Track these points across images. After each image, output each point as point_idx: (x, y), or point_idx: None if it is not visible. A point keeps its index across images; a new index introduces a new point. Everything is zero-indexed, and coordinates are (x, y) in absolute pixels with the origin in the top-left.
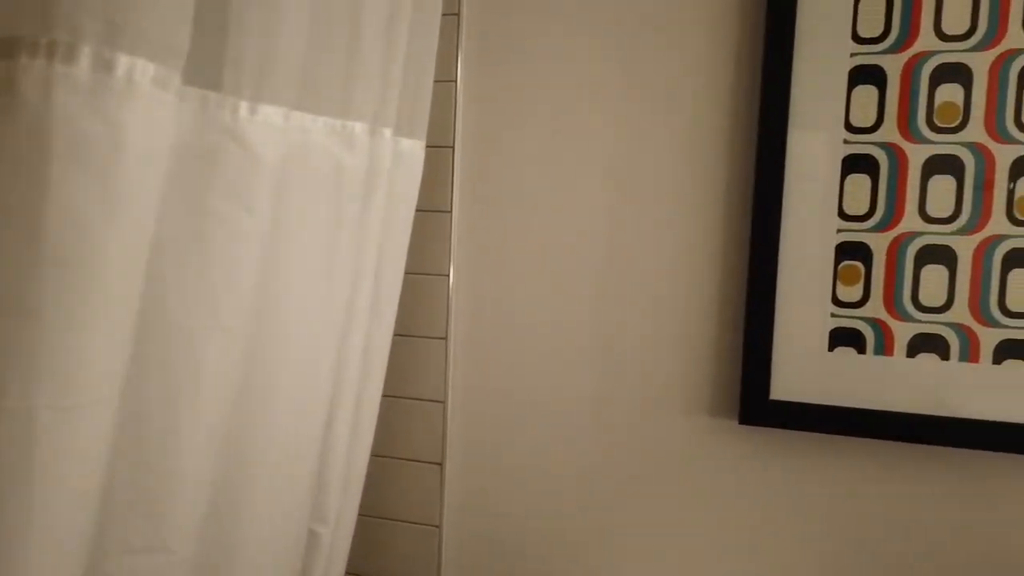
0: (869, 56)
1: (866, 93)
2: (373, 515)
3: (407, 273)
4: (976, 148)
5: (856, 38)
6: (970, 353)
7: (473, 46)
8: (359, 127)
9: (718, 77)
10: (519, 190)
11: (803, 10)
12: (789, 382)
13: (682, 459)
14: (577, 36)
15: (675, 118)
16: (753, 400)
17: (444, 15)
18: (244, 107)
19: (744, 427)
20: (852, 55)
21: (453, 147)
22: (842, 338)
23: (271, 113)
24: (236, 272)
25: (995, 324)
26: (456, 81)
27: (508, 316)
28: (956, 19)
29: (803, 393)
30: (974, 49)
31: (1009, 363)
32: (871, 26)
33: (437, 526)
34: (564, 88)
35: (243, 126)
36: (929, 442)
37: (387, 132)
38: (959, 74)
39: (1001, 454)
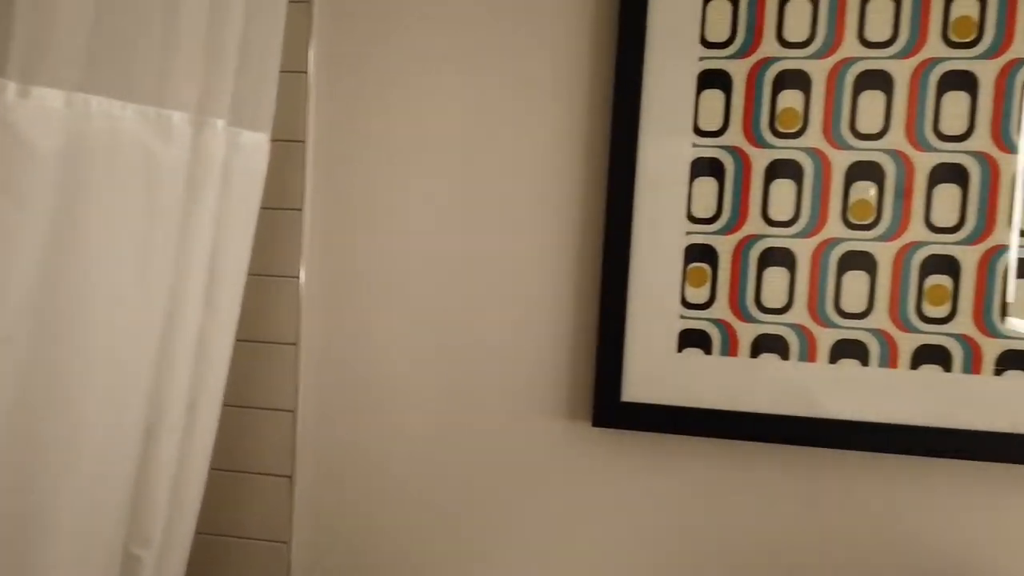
0: (716, 61)
1: (713, 97)
2: (216, 533)
3: (254, 275)
4: (814, 153)
5: (704, 42)
6: (808, 353)
7: (326, 35)
8: (178, 116)
9: (574, 78)
10: (374, 187)
11: (654, 13)
12: (640, 384)
13: (539, 463)
14: (435, 30)
15: (532, 119)
16: (605, 402)
17: (292, 1)
18: (12, 89)
19: (597, 429)
20: (700, 59)
21: (305, 141)
22: (690, 339)
23: (49, 97)
24: (4, 272)
25: (831, 325)
26: (308, 72)
27: (361, 319)
28: (796, 27)
29: (653, 394)
30: (813, 57)
31: (844, 362)
32: (718, 31)
33: (286, 542)
34: (422, 82)
35: (11, 111)
36: (773, 440)
37: (219, 123)
38: (799, 81)
39: (841, 451)
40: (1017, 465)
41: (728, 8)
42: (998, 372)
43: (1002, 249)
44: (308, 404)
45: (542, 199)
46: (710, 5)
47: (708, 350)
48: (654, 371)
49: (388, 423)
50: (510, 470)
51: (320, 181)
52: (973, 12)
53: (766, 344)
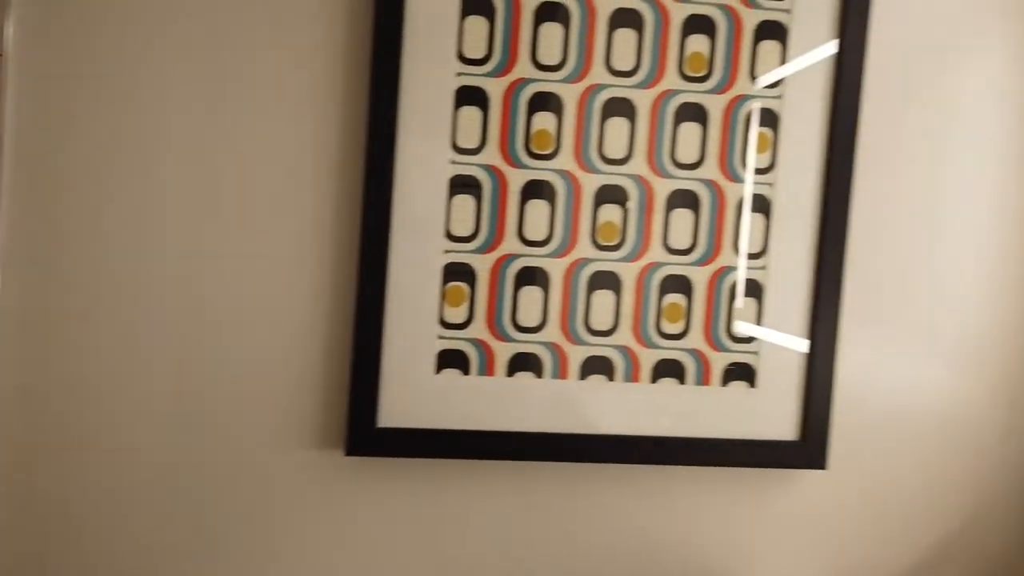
0: (473, 78)
1: (471, 114)
2: None
3: None
4: (566, 175)
5: (462, 58)
6: (561, 370)
7: (28, 9)
8: None
9: (326, 83)
10: (89, 189)
11: (410, 24)
12: (397, 408)
13: (287, 498)
14: (166, 11)
15: (279, 125)
16: (360, 429)
17: None
18: None
19: (352, 458)
20: (458, 75)
21: (0, 138)
22: (448, 360)
23: None
24: None
25: (581, 342)
26: (4, 53)
27: (72, 343)
28: (549, 50)
29: (412, 418)
30: (565, 81)
31: (593, 378)
32: (475, 48)
33: None
34: (148, 70)
35: None
36: (531, 458)
37: None
38: (552, 103)
39: (593, 464)
40: (748, 468)
41: (484, 25)
42: (724, 383)
43: (728, 270)
44: None
45: (291, 212)
46: (467, 20)
47: (466, 371)
48: (412, 394)
49: (105, 463)
50: (255, 508)
51: (19, 180)
52: (704, 49)
53: (521, 363)
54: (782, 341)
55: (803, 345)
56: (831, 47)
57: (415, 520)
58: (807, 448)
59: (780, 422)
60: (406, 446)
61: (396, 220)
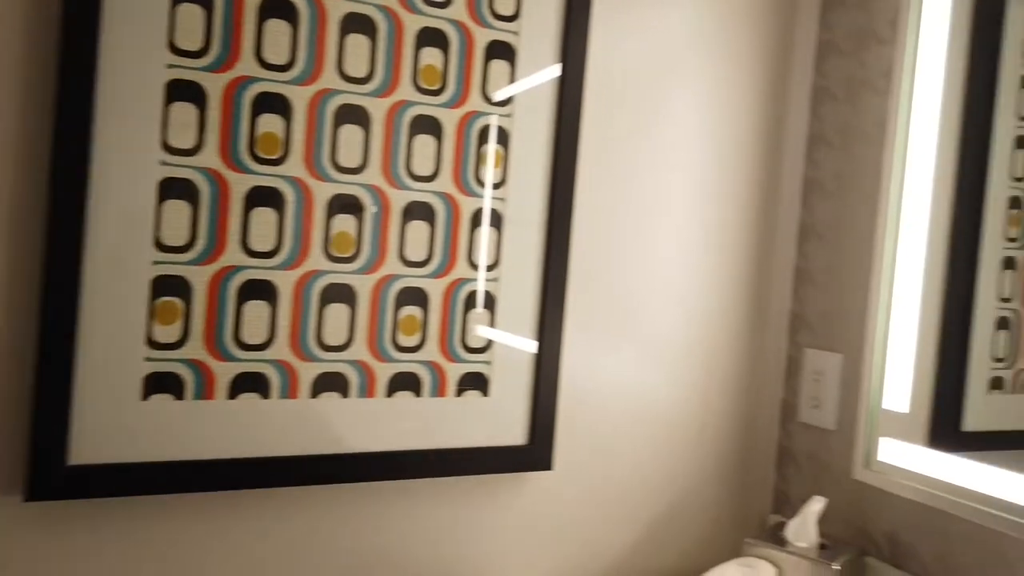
0: (188, 71)
1: (184, 111)
2: None
3: None
4: (296, 183)
5: (173, 48)
6: (290, 389)
7: None
8: None
9: (3, 63)
10: None
11: (109, 4)
12: (94, 442)
13: None
14: None
15: None
16: (44, 469)
17: None
18: None
19: (34, 505)
20: (169, 66)
21: None
22: (158, 384)
23: None
24: None
25: (313, 359)
26: None
27: None
28: (276, 49)
29: (112, 453)
30: (294, 82)
31: (325, 396)
32: (189, 38)
33: None
34: None
35: None
36: (257, 486)
37: None
38: (280, 105)
39: (328, 486)
40: (483, 475)
41: (200, 14)
42: (459, 393)
43: (463, 282)
44: None
45: None
46: (179, 7)
47: (180, 395)
48: (113, 425)
49: None
50: None
51: None
52: (438, 63)
53: (246, 383)
54: (513, 347)
55: (532, 348)
56: (555, 69)
57: (123, 569)
58: (535, 451)
59: (511, 428)
60: (106, 485)
61: (92, 226)
